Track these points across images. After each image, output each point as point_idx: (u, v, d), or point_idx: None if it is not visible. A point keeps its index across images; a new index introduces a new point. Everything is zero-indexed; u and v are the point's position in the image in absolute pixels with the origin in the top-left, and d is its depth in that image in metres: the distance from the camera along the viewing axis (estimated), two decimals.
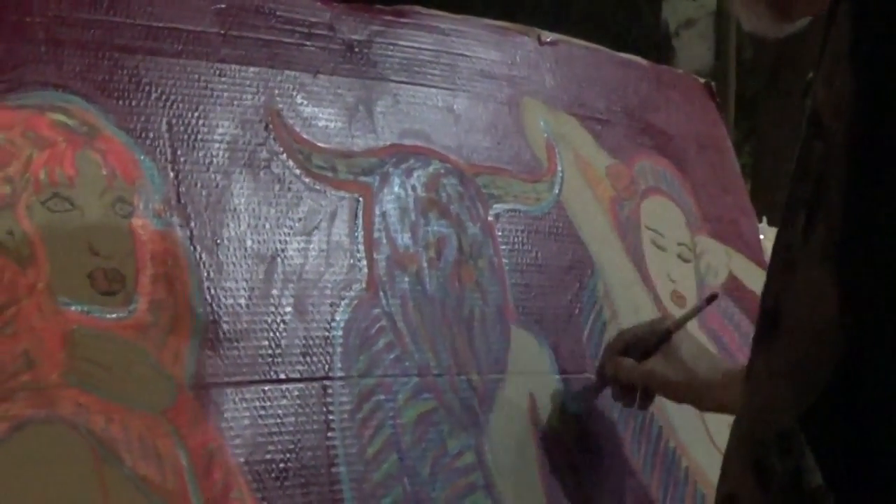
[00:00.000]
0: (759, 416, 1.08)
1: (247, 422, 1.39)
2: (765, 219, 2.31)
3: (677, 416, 1.86)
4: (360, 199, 1.59)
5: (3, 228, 1.30)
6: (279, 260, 1.49)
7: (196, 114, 1.49)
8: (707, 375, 1.60)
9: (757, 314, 1.07)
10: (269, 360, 1.44)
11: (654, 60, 2.21)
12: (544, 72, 1.93)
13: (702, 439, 1.89)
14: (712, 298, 1.74)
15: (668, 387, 1.63)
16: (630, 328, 1.72)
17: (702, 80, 2.27)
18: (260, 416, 1.41)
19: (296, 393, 1.45)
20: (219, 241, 1.45)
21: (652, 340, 1.63)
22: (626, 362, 1.64)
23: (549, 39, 1.95)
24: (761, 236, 2.25)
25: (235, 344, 1.42)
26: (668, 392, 1.65)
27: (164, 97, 1.46)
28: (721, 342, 2.03)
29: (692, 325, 1.93)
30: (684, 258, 2.01)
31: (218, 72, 1.53)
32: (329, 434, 1.46)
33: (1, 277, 1.29)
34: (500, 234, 1.74)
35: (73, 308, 1.32)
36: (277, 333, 1.46)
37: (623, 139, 2.02)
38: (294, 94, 1.59)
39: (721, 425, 1.92)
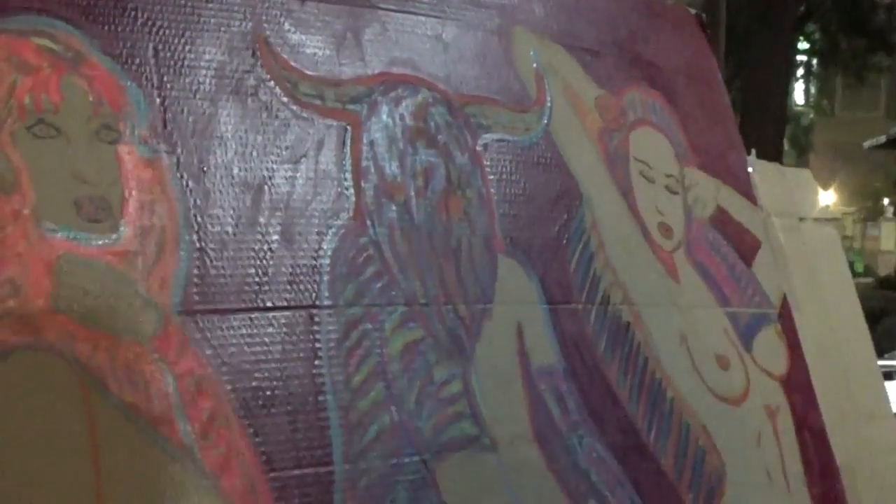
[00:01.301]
0: None
1: (233, 349, 1.39)
2: (753, 151, 2.31)
3: (663, 348, 1.87)
4: (348, 127, 1.58)
5: None
6: (266, 188, 1.48)
7: (183, 40, 1.47)
8: None
9: None
10: (256, 287, 1.44)
11: None
12: (534, 1, 1.91)
13: (687, 369, 1.90)
14: None
15: None
16: None
17: (693, 12, 2.26)
18: (247, 344, 1.41)
19: (283, 321, 1.45)
20: (205, 168, 1.44)
21: None
22: None
23: None
24: (749, 169, 2.25)
25: (222, 272, 1.41)
26: None
27: (150, 22, 1.45)
28: (709, 275, 2.03)
29: (682, 262, 1.94)
30: (672, 190, 2.00)
31: None
32: (316, 362, 1.46)
33: None
34: (488, 164, 1.73)
35: (58, 235, 1.31)
36: (264, 261, 1.45)
37: (613, 70, 2.01)
38: (282, 20, 1.57)
39: (706, 356, 1.94)
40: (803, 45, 18.73)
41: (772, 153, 12.62)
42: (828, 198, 28.56)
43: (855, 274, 11.37)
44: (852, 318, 2.38)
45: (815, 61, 20.05)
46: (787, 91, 14.90)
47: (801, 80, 23.18)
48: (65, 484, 1.24)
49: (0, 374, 1.23)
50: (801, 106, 25.42)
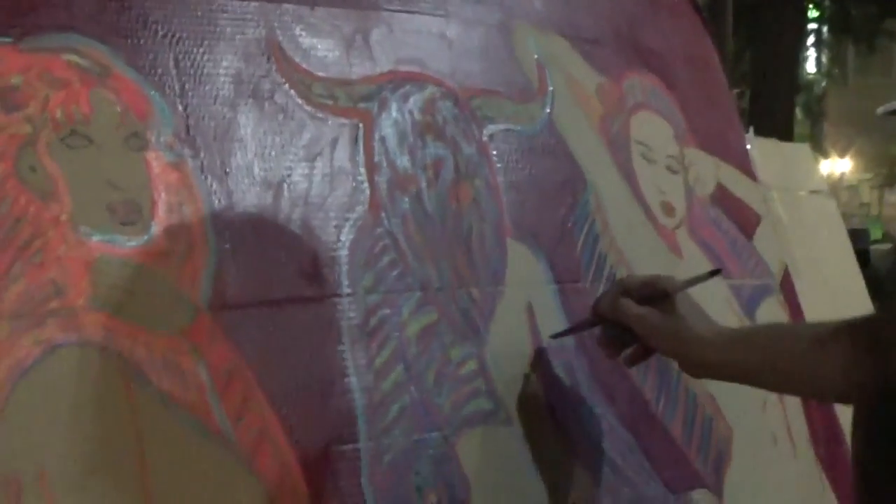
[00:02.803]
0: None
1: (261, 338, 1.49)
2: (751, 129, 2.38)
3: None
4: (360, 124, 1.67)
5: (25, 165, 1.39)
6: (285, 185, 1.57)
7: (201, 49, 1.56)
8: (698, 330, 1.60)
9: None
10: (280, 280, 1.53)
11: None
12: None
13: None
14: (715, 273, 1.74)
15: (656, 332, 1.61)
16: (632, 276, 1.75)
17: None
18: (273, 333, 1.50)
19: (306, 310, 1.54)
20: (228, 170, 1.53)
21: (649, 292, 1.63)
22: (623, 301, 1.63)
23: None
24: (748, 146, 2.33)
25: (247, 266, 1.51)
26: (655, 338, 1.62)
27: (170, 35, 1.54)
28: (711, 250, 2.12)
29: (684, 239, 2.02)
30: (673, 170, 2.08)
31: (220, 8, 1.60)
32: (339, 347, 1.55)
33: (26, 211, 1.38)
34: (494, 153, 1.82)
35: (94, 238, 1.41)
36: (286, 255, 1.55)
37: (612, 57, 2.09)
38: (293, 26, 1.66)
39: None
40: (813, 13, 18.67)
41: (784, 123, 12.65)
42: (844, 165, 28.48)
43: (873, 240, 11.37)
44: (854, 288, 2.46)
45: (825, 29, 19.98)
46: (797, 61, 14.90)
47: (812, 49, 23.08)
48: (112, 465, 1.34)
49: (48, 369, 1.33)
50: (813, 74, 25.30)
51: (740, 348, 1.58)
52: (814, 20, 18.94)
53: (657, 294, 1.63)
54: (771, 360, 1.54)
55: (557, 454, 1.72)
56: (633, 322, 1.62)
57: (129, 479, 1.34)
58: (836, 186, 25.60)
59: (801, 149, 2.77)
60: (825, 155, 26.95)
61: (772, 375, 1.57)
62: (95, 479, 1.33)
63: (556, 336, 1.74)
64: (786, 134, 11.40)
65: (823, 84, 25.97)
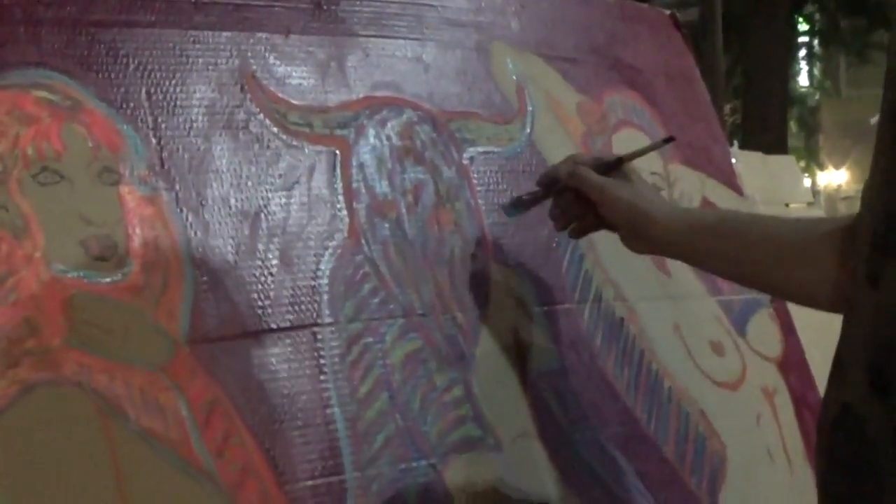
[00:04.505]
0: (886, 317, 1.13)
1: (242, 371, 1.47)
2: (736, 143, 2.36)
3: (658, 340, 1.94)
4: (337, 152, 1.66)
5: None
6: (263, 216, 1.56)
7: (173, 81, 1.55)
8: (653, 205, 1.60)
9: (881, 223, 1.12)
10: (260, 311, 1.51)
11: None
12: (510, 16, 1.99)
13: (683, 360, 1.97)
14: (669, 140, 1.75)
15: (612, 200, 1.60)
16: (584, 154, 1.74)
17: (667, 12, 2.33)
18: (254, 366, 1.48)
19: (287, 341, 1.52)
20: (204, 201, 1.52)
21: (604, 164, 1.64)
22: (582, 168, 1.63)
23: None
24: (733, 160, 2.32)
25: (226, 298, 1.49)
26: (610, 206, 1.61)
27: (141, 67, 1.53)
28: None
29: None
30: (658, 187, 2.07)
31: (192, 39, 1.59)
32: (321, 377, 1.53)
33: None
34: (475, 175, 1.81)
35: (69, 275, 1.39)
36: (266, 286, 1.53)
37: (592, 76, 2.08)
38: (267, 55, 1.65)
39: (701, 344, 2.00)
40: (803, 26, 18.72)
41: (777, 136, 12.66)
42: (840, 176, 28.50)
43: None
44: None
45: (816, 42, 20.03)
46: (788, 74, 14.92)
47: (804, 62, 23.13)
48: None
49: (25, 409, 1.31)
50: (806, 87, 25.36)
51: (706, 235, 1.56)
52: (804, 33, 18.99)
53: (611, 164, 1.64)
54: (743, 253, 1.52)
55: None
56: (589, 188, 1.62)
57: None
58: (832, 198, 25.62)
59: (787, 161, 2.76)
60: (821, 167, 26.98)
61: (736, 268, 1.56)
62: None
63: (509, 211, 1.74)
64: (780, 147, 11.41)
65: (817, 97, 26.03)
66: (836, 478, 1.23)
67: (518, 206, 1.75)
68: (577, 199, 1.64)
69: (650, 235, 1.59)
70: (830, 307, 1.46)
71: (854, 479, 1.19)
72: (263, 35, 1.66)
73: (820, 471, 1.29)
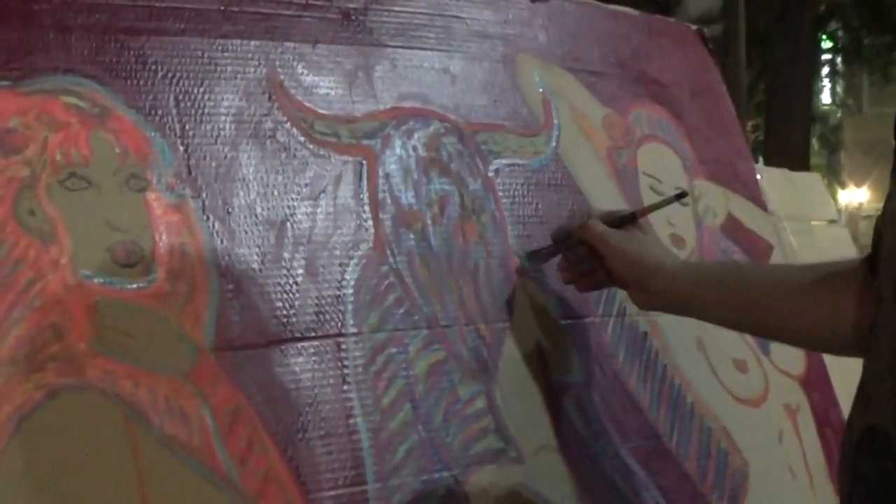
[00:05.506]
0: None
1: (266, 380, 1.47)
2: (761, 159, 2.35)
3: (681, 355, 1.93)
4: (364, 161, 1.66)
5: (25, 209, 1.38)
6: (288, 225, 1.56)
7: (201, 89, 1.56)
8: (659, 258, 1.62)
9: None
10: (284, 320, 1.51)
11: (665, 3, 2.26)
12: (537, 28, 1.99)
13: (706, 374, 1.96)
14: (682, 195, 1.76)
15: (619, 253, 1.63)
16: (599, 209, 1.76)
17: (693, 27, 2.33)
18: (278, 374, 1.48)
19: (311, 350, 1.52)
20: (230, 209, 1.52)
21: (617, 218, 1.67)
22: (591, 221, 1.66)
23: None
24: (758, 176, 2.31)
25: (251, 307, 1.49)
26: (617, 259, 1.64)
27: (169, 75, 1.53)
28: None
29: None
30: (682, 202, 2.07)
31: (220, 47, 1.60)
32: (345, 387, 1.53)
33: (26, 255, 1.37)
34: (500, 188, 1.81)
35: (95, 280, 1.40)
36: (290, 295, 1.53)
37: (617, 90, 2.08)
38: (295, 64, 1.65)
39: (724, 361, 2.00)
40: (826, 44, 18.68)
41: (799, 154, 12.62)
42: (862, 195, 28.39)
43: None
44: None
45: (839, 60, 19.99)
46: (811, 91, 14.89)
47: (826, 80, 23.08)
48: None
49: (50, 413, 1.31)
50: (829, 105, 25.30)
51: (713, 286, 1.58)
52: (827, 51, 18.95)
53: (625, 218, 1.66)
54: (750, 299, 1.54)
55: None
56: (597, 240, 1.65)
57: None
58: (854, 217, 25.52)
59: (812, 178, 2.75)
60: (843, 185, 26.90)
61: (745, 316, 1.58)
62: None
63: (526, 263, 1.76)
64: (802, 165, 11.38)
65: (839, 115, 25.96)
66: (862, 499, 1.23)
67: (533, 259, 1.78)
68: (589, 253, 1.67)
69: (657, 288, 1.62)
70: (839, 350, 1.46)
71: (882, 499, 1.18)
72: (291, 44, 1.66)
73: (844, 491, 1.28)
